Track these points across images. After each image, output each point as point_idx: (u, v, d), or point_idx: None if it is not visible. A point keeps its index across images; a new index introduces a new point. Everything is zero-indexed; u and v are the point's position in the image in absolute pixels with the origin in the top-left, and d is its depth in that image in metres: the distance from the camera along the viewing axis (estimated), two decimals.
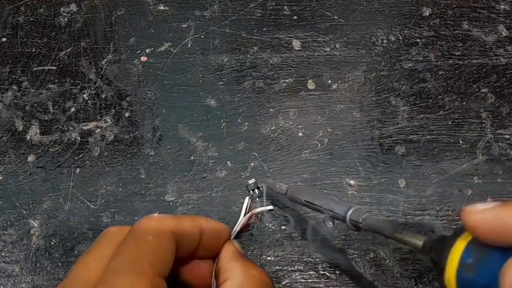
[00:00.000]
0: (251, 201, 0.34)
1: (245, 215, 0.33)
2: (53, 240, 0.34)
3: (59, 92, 0.40)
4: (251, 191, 0.35)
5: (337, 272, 0.32)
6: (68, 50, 0.42)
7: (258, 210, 0.34)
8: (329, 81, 0.40)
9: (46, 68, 0.41)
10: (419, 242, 0.23)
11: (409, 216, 0.34)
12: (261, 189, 0.35)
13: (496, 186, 0.35)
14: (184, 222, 0.26)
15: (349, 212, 0.26)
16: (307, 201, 0.30)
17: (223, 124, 0.38)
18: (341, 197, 0.35)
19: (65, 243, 0.34)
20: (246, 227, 0.34)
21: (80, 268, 0.24)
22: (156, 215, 0.26)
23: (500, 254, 0.19)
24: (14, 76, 0.40)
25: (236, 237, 0.32)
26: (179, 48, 0.41)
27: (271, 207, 0.34)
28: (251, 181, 0.35)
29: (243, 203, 0.34)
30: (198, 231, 0.26)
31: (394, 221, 0.27)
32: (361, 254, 0.33)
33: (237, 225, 0.32)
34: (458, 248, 0.20)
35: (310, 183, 0.35)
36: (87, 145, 0.37)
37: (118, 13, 0.44)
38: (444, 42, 0.41)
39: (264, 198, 0.35)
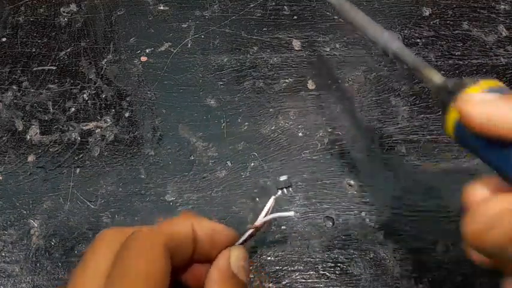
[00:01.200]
0: (275, 203, 0.30)
1: (265, 216, 0.29)
2: (53, 240, 0.34)
3: (59, 92, 0.40)
4: (279, 190, 0.31)
5: (337, 272, 0.32)
6: (68, 50, 0.42)
7: (280, 214, 0.30)
8: (329, 81, 0.40)
9: (46, 68, 0.41)
10: (438, 79, 0.24)
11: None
12: (291, 190, 0.30)
13: None
14: (176, 230, 0.25)
15: (385, 37, 0.27)
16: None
17: (223, 124, 0.38)
18: (341, 197, 0.35)
19: (65, 243, 0.34)
20: (258, 230, 0.30)
21: None
22: (145, 229, 0.24)
23: None
24: (14, 76, 0.40)
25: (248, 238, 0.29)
26: (179, 48, 0.41)
27: (292, 213, 0.31)
28: (283, 178, 0.31)
29: (260, 203, 0.30)
30: (191, 239, 0.26)
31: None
32: (361, 254, 0.33)
33: (252, 225, 0.29)
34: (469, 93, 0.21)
35: (310, 183, 0.35)
36: (87, 145, 0.37)
37: (118, 13, 0.44)
38: (444, 42, 0.41)
39: None
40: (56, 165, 0.37)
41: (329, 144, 0.37)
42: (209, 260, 0.28)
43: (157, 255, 0.23)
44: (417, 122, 0.38)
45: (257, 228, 0.30)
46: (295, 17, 0.43)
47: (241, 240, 0.29)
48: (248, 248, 0.32)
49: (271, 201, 0.30)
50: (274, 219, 0.31)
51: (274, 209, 0.30)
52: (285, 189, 0.31)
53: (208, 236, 0.27)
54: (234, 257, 0.27)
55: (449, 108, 0.22)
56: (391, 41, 0.27)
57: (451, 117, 0.22)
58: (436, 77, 0.24)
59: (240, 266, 0.27)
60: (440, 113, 0.24)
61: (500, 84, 0.22)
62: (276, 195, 0.31)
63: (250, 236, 0.29)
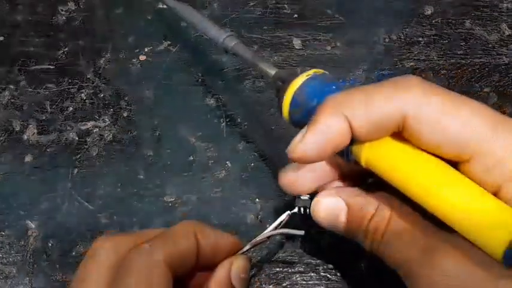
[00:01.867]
0: (287, 219, 0.29)
1: (275, 229, 0.29)
2: (51, 242, 0.33)
3: (56, 91, 0.39)
4: (296, 208, 0.29)
5: (338, 274, 0.32)
6: (66, 49, 0.41)
7: (289, 231, 0.29)
8: None
9: (44, 67, 0.40)
10: (272, 71, 0.28)
11: None
12: (308, 211, 0.28)
13: None
14: (178, 244, 0.25)
15: (224, 36, 0.31)
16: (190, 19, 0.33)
17: (223, 124, 0.38)
18: None
19: (62, 245, 0.33)
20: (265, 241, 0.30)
21: None
22: (145, 245, 0.24)
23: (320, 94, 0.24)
24: (11, 75, 0.40)
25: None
26: (178, 48, 0.41)
27: (303, 232, 0.29)
28: (304, 197, 0.28)
29: (275, 217, 0.28)
30: (193, 252, 0.25)
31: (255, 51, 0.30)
32: (362, 255, 0.33)
33: (257, 237, 0.29)
34: (298, 81, 0.25)
35: None
36: (85, 145, 0.37)
37: (116, 12, 0.43)
38: (446, 41, 0.41)
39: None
40: (54, 165, 0.36)
41: None
42: (213, 267, 0.27)
43: (157, 274, 0.23)
44: None
45: (264, 240, 0.29)
46: (296, 16, 0.43)
47: (245, 249, 0.29)
48: (251, 256, 0.32)
49: (284, 216, 0.29)
50: (284, 234, 0.30)
51: (284, 225, 0.29)
52: (301, 208, 0.28)
53: (211, 245, 0.26)
54: (235, 269, 0.27)
55: (284, 95, 0.26)
56: (229, 40, 0.30)
57: (286, 103, 0.26)
58: (270, 69, 0.28)
59: (239, 277, 0.27)
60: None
61: (325, 72, 0.26)
62: (292, 211, 0.29)
63: (255, 245, 0.29)
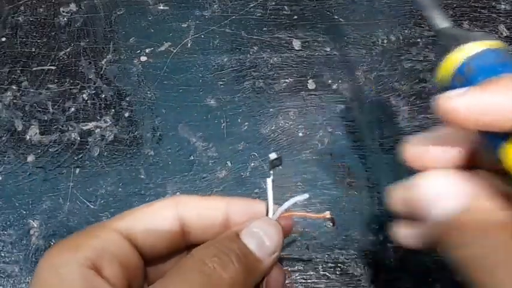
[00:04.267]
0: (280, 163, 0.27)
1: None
2: (53, 241, 0.34)
3: (58, 92, 0.40)
4: (272, 170, 0.27)
5: (337, 273, 0.32)
6: (68, 49, 0.42)
7: (296, 199, 0.26)
8: (329, 81, 0.40)
9: (46, 67, 0.41)
10: (442, 24, 0.25)
11: None
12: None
13: None
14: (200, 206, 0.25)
15: None
16: None
17: (223, 124, 0.38)
18: (342, 197, 0.35)
19: None
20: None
21: None
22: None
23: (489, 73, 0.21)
24: (13, 76, 0.40)
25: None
26: (179, 48, 0.41)
27: (307, 195, 0.27)
28: (273, 155, 0.27)
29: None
30: (215, 217, 0.24)
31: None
32: (361, 254, 0.33)
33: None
34: (475, 47, 0.22)
35: (310, 183, 0.35)
36: (87, 145, 0.37)
37: (118, 13, 0.43)
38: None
39: None
40: (56, 165, 0.36)
41: (329, 144, 0.37)
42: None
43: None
44: (417, 122, 0.38)
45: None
46: (296, 17, 0.43)
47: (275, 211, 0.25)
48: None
49: (270, 184, 0.26)
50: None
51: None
52: (277, 168, 0.27)
53: (203, 223, 0.25)
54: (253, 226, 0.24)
55: (451, 56, 0.22)
56: None
57: (451, 65, 0.22)
58: (441, 22, 0.25)
59: (252, 232, 0.24)
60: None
61: (501, 47, 0.22)
62: (271, 177, 0.27)
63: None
